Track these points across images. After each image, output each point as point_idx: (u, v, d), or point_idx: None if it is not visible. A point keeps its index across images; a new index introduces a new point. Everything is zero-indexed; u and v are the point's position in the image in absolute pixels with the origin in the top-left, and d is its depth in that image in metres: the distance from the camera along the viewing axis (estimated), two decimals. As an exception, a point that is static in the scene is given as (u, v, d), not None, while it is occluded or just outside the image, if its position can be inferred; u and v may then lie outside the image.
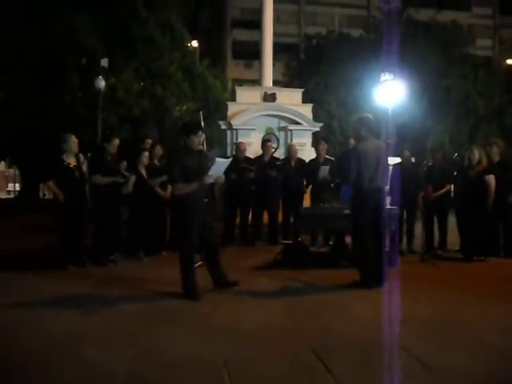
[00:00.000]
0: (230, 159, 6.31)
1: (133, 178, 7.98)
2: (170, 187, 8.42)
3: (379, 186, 6.45)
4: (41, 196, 30.54)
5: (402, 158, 9.04)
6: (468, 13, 41.45)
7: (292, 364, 3.79)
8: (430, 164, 9.44)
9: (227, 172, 7.94)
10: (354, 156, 6.43)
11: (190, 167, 5.71)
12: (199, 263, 6.35)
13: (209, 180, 5.86)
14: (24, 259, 8.29)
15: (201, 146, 6.12)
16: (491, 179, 8.24)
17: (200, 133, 5.96)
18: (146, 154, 8.33)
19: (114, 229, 7.78)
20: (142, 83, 20.52)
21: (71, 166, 7.39)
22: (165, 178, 8.31)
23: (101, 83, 18.15)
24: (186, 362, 3.82)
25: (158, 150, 8.71)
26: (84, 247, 7.59)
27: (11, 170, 44.82)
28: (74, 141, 7.47)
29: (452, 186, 9.08)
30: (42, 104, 19.09)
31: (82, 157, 7.71)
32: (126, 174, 7.87)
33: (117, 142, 7.95)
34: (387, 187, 7.99)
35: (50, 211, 7.86)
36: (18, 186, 40.67)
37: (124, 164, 8.07)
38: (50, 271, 7.11)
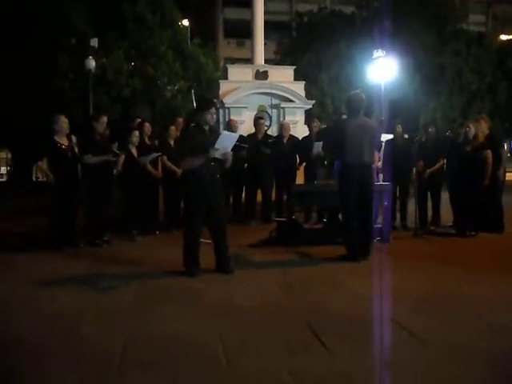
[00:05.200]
0: (238, 135, 6.13)
1: (122, 158, 7.93)
2: (160, 165, 8.48)
3: (364, 161, 6.50)
4: (33, 178, 30.37)
5: (394, 134, 9.02)
6: (461, -12, 41.09)
7: (287, 338, 3.81)
8: (423, 140, 9.43)
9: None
10: (339, 130, 6.65)
11: (199, 143, 5.72)
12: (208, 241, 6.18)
13: (214, 153, 5.74)
14: (18, 241, 8.29)
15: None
16: (488, 154, 8.25)
17: (213, 109, 5.92)
18: (136, 133, 8.25)
19: (106, 209, 7.75)
20: (132, 63, 20.32)
21: (63, 146, 7.34)
22: (154, 155, 8.29)
23: (91, 64, 17.99)
24: (181, 338, 3.83)
25: (148, 128, 8.64)
26: (76, 227, 7.57)
27: (2, 154, 44.45)
28: (64, 121, 7.40)
29: (445, 161, 9.06)
30: (31, 86, 18.88)
31: (73, 138, 7.66)
32: (117, 152, 7.81)
33: (104, 119, 7.84)
34: (379, 164, 8.02)
35: (43, 193, 7.82)
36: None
37: (115, 145, 8.02)
38: (43, 252, 7.10)
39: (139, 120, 9.07)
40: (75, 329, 4.07)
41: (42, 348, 3.71)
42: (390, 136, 8.88)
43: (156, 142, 9.27)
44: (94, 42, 18.46)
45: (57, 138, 7.32)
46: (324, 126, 11.32)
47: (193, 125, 6.02)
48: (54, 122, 7.36)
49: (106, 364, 3.42)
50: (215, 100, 13.51)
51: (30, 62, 18.93)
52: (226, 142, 5.87)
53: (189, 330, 4.03)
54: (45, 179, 7.63)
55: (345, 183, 6.55)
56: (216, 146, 5.73)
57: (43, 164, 7.41)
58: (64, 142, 7.37)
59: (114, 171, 8.02)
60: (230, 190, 9.90)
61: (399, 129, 9.11)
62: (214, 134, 6.05)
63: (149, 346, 3.72)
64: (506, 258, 6.76)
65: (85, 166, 7.54)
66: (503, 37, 27.10)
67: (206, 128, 5.88)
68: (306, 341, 3.78)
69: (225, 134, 5.85)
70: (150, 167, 8.27)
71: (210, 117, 5.87)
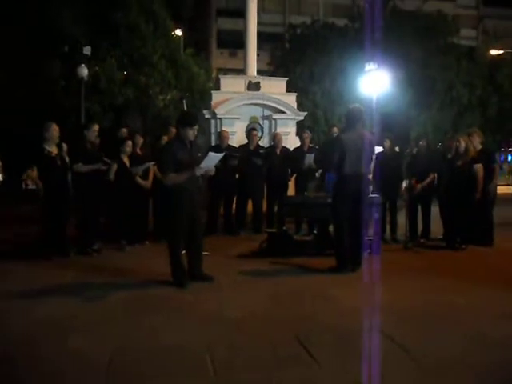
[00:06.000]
0: (222, 154, 6.52)
1: (115, 166, 7.90)
2: (151, 175, 8.45)
3: (361, 173, 6.57)
4: (23, 187, 30.15)
5: (383, 147, 9.05)
6: (453, 3, 41.49)
7: (276, 351, 3.80)
8: (414, 153, 9.46)
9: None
10: (338, 143, 6.63)
11: (181, 158, 5.80)
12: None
13: (199, 172, 5.91)
14: (7, 249, 8.21)
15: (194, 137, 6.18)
16: (479, 168, 8.30)
17: (196, 126, 6.01)
18: (130, 143, 8.24)
19: (97, 218, 7.72)
20: (125, 72, 20.30)
21: (53, 154, 7.31)
22: (146, 165, 8.27)
23: (84, 72, 17.93)
24: (169, 348, 3.83)
25: (139, 139, 8.64)
26: (67, 236, 7.53)
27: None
28: (55, 129, 7.37)
29: (436, 175, 9.07)
30: (23, 93, 18.77)
31: (64, 146, 7.64)
32: (107, 160, 7.79)
33: (96, 127, 7.85)
34: (369, 176, 8.05)
35: (33, 201, 7.78)
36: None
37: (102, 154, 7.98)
38: (33, 261, 7.04)
39: (125, 130, 9.04)
40: (63, 338, 4.05)
41: (30, 358, 3.68)
42: (381, 149, 8.91)
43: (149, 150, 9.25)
44: (87, 50, 18.42)
45: (46, 146, 7.28)
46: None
47: (174, 139, 6.16)
48: (45, 130, 7.33)
49: (94, 373, 3.40)
50: (206, 110, 13.55)
51: (22, 67, 18.78)
52: (211, 162, 6.10)
53: (177, 341, 4.01)
54: (35, 187, 7.59)
55: (339, 195, 6.60)
56: (201, 165, 5.91)
57: (33, 172, 7.38)
58: (53, 150, 7.33)
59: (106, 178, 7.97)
60: (220, 200, 9.89)
61: (387, 143, 9.14)
62: (197, 149, 6.18)
63: (136, 357, 3.71)
64: (495, 271, 6.78)
65: (75, 174, 7.52)
66: (493, 51, 27.35)
67: (187, 142, 5.95)
68: (294, 352, 3.78)
69: (211, 155, 6.09)
70: (139, 179, 8.24)
71: (192, 133, 5.96)
